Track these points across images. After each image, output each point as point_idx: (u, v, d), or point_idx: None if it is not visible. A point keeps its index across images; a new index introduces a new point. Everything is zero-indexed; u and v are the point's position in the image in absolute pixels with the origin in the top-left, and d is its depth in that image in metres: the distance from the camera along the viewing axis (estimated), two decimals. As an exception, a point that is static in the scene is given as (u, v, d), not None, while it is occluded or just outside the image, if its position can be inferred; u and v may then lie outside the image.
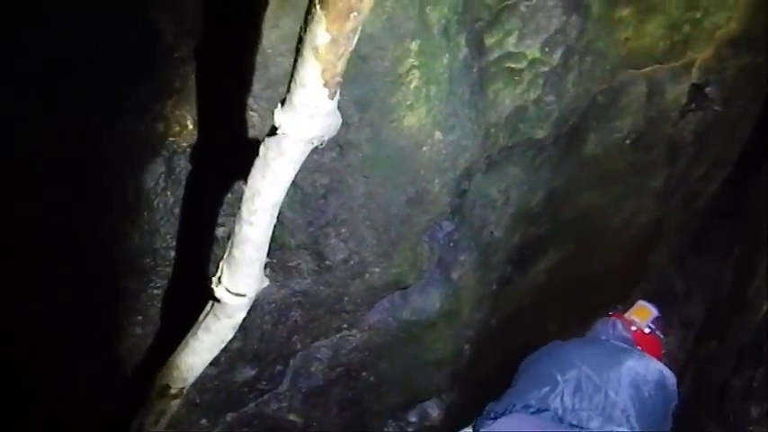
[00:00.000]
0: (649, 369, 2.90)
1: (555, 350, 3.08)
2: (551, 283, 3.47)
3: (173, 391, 1.88)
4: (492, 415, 2.84)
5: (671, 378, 2.93)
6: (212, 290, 1.61)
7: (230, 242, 1.54)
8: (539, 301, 3.55)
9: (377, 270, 2.56)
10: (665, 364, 3.03)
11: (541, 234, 3.19)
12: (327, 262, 2.44)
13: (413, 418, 3.41)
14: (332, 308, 2.62)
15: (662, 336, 3.41)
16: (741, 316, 3.52)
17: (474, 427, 2.91)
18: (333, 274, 2.49)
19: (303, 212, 2.29)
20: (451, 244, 2.78)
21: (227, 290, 1.58)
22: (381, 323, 2.82)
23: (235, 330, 1.71)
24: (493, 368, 3.71)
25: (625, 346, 3.13)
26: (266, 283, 1.63)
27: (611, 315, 3.47)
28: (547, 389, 2.81)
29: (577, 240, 3.44)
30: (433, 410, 3.43)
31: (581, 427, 2.66)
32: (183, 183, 2.15)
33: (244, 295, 1.59)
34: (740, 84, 3.41)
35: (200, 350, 1.75)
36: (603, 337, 3.24)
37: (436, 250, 2.73)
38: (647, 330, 3.34)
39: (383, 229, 2.45)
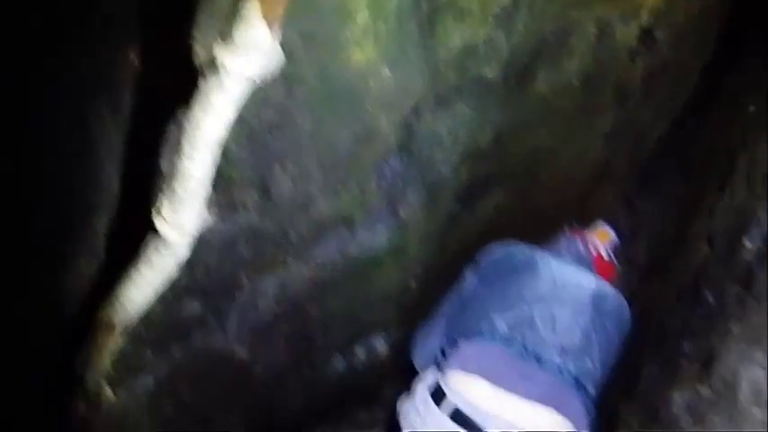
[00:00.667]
0: (613, 298, 2.95)
1: (524, 267, 2.99)
2: (498, 220, 3.51)
3: (116, 326, 1.89)
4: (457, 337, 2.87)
5: (627, 307, 2.99)
6: (155, 225, 1.61)
7: (172, 177, 1.53)
8: (485, 239, 3.59)
9: (323, 206, 2.56)
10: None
11: (489, 172, 3.21)
12: (273, 197, 2.43)
13: (360, 353, 3.47)
14: (278, 243, 2.63)
15: (617, 264, 3.46)
16: (682, 256, 3.60)
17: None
18: (279, 209, 2.49)
19: (249, 147, 2.27)
20: (399, 181, 2.79)
21: (169, 225, 1.58)
22: (328, 259, 2.83)
23: (178, 265, 1.71)
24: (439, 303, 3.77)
25: (589, 273, 3.09)
26: (208, 218, 1.63)
27: (572, 231, 3.48)
28: (515, 314, 2.79)
29: (525, 179, 3.47)
30: (380, 345, 3.49)
31: (545, 361, 2.67)
32: (128, 117, 2.13)
33: (185, 230, 1.59)
34: (689, 29, 3.44)
35: (143, 285, 1.75)
36: (564, 254, 3.23)
37: (383, 187, 2.74)
38: (604, 255, 3.37)
39: (330, 165, 2.45)
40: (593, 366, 2.73)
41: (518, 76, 2.80)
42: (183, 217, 1.56)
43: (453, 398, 2.64)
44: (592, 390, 2.71)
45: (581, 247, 3.30)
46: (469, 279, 3.15)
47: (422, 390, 2.81)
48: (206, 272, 2.53)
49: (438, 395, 2.69)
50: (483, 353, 2.72)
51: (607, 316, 2.88)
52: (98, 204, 2.23)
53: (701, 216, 3.46)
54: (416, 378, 3.06)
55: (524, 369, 2.64)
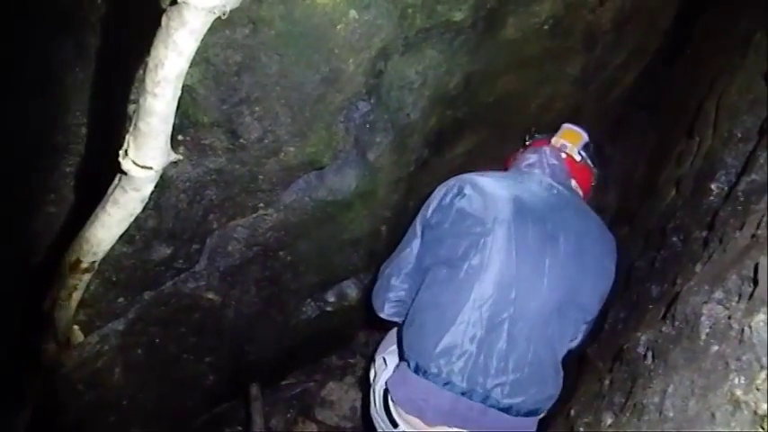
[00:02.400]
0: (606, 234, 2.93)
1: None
2: (468, 166, 3.53)
3: (84, 266, 1.88)
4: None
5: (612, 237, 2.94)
6: (120, 163, 1.60)
7: (136, 115, 1.53)
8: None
9: (292, 149, 2.57)
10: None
11: (459, 117, 3.22)
12: (242, 140, 2.44)
13: (331, 298, 3.51)
14: (247, 187, 2.63)
15: (592, 165, 3.24)
16: (650, 202, 3.65)
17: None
18: (247, 152, 2.49)
19: (216, 89, 2.27)
20: (367, 125, 2.80)
21: (134, 162, 1.58)
22: (297, 203, 2.85)
23: (143, 204, 1.71)
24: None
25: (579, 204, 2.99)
26: (174, 157, 1.63)
27: (537, 142, 3.25)
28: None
29: (494, 124, 3.48)
30: (351, 290, 3.53)
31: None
32: (93, 58, 2.11)
33: (150, 168, 1.59)
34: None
35: (110, 223, 1.75)
36: (537, 171, 2.98)
37: (352, 131, 2.75)
38: (577, 158, 3.17)
39: (298, 107, 2.44)
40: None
41: (487, 20, 2.80)
42: (147, 154, 1.56)
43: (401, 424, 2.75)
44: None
45: (552, 157, 3.07)
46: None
47: (379, 391, 2.90)
48: (176, 216, 2.54)
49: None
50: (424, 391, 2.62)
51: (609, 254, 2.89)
52: (64, 146, 2.22)
53: (669, 162, 3.50)
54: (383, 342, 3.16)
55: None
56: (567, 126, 3.28)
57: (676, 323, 2.15)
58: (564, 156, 3.13)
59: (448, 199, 2.81)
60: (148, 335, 2.87)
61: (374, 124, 2.81)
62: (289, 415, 4.00)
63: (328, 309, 3.52)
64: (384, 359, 2.95)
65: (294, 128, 2.49)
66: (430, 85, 2.86)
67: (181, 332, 2.98)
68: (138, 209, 1.72)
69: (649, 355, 2.25)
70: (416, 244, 2.91)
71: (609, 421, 2.33)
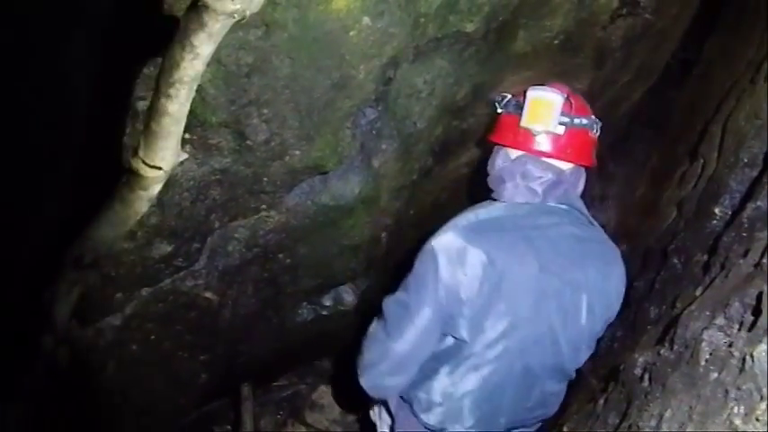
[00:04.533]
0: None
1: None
2: (469, 176, 3.52)
3: (86, 262, 1.88)
4: None
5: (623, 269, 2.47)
6: (129, 162, 1.60)
7: (148, 114, 1.52)
8: (456, 196, 3.61)
9: (297, 153, 2.56)
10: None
11: (464, 128, 3.22)
12: (248, 142, 2.43)
13: (327, 302, 3.50)
14: (251, 188, 2.63)
15: (584, 122, 2.41)
16: (650, 221, 3.65)
17: None
18: (253, 154, 2.48)
19: (226, 90, 2.26)
20: (374, 131, 2.79)
21: (144, 162, 1.58)
22: (300, 206, 2.84)
23: (150, 203, 1.71)
24: (407, 258, 3.79)
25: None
26: (183, 157, 1.63)
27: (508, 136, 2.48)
28: None
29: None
30: (348, 295, 3.52)
31: None
32: (105, 55, 2.11)
33: (159, 168, 1.59)
34: (672, -5, 3.45)
35: (115, 222, 1.75)
36: (538, 201, 2.34)
37: (358, 137, 2.74)
38: (560, 131, 2.38)
39: (306, 112, 2.44)
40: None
41: (498, 32, 2.79)
42: (157, 154, 1.56)
43: None
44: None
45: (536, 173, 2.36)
46: None
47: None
48: (178, 214, 2.53)
49: None
50: None
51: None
52: (71, 144, 2.22)
53: (671, 183, 3.50)
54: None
55: None
56: (532, 95, 2.42)
57: (675, 347, 2.15)
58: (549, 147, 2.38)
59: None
60: (144, 331, 2.86)
61: (380, 131, 2.81)
62: (279, 416, 4.00)
63: (324, 312, 3.51)
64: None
65: (301, 132, 2.49)
66: (438, 94, 2.86)
67: (177, 330, 2.97)
68: (145, 208, 1.72)
69: (646, 377, 2.24)
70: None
71: (602, 441, 2.33)
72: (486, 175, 2.54)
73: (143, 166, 1.58)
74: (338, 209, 2.93)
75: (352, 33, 2.32)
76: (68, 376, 2.69)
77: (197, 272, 2.84)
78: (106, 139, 2.21)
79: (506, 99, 2.52)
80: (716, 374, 1.79)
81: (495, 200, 2.46)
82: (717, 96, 3.41)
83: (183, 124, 1.53)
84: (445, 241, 2.28)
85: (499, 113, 2.55)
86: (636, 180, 4.49)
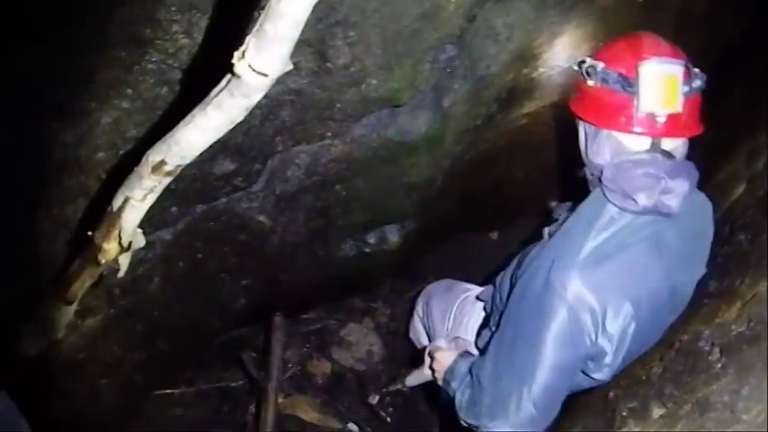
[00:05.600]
0: None
1: None
2: (529, 130, 3.44)
3: (167, 168, 1.79)
4: None
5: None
6: (233, 65, 1.51)
7: (263, 14, 1.42)
8: (512, 147, 3.54)
9: (374, 82, 2.48)
10: None
11: (533, 77, 3.13)
12: (329, 64, 2.35)
13: (371, 239, 3.44)
14: (322, 113, 2.56)
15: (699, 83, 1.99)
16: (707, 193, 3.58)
17: None
18: (331, 78, 2.41)
19: (315, 6, 2.17)
20: (448, 69, 2.72)
21: (250, 66, 1.48)
22: (365, 138, 2.78)
23: (247, 112, 1.62)
24: (454, 205, 3.73)
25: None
26: (290, 66, 1.53)
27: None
28: None
29: (565, 92, 3.38)
30: (393, 235, 3.46)
31: None
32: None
33: (266, 75, 1.49)
34: None
35: (207, 127, 1.66)
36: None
37: (435, 72, 2.66)
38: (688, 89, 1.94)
39: (391, 39, 2.36)
40: None
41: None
42: (267, 60, 1.46)
43: None
44: None
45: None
46: None
47: None
48: (246, 131, 2.47)
49: None
50: None
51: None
52: (152, 41, 2.13)
53: (735, 158, 3.42)
54: None
55: None
56: (655, 70, 1.91)
57: (751, 324, 2.09)
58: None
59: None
60: (193, 249, 2.81)
61: (455, 70, 2.73)
62: (305, 349, 3.97)
63: (366, 250, 3.45)
64: None
65: (383, 60, 2.41)
66: (515, 38, 2.78)
67: (224, 251, 2.93)
68: (241, 117, 1.63)
69: (715, 351, 2.18)
70: None
71: (659, 411, 2.27)
72: (573, 157, 2.18)
73: (249, 70, 1.48)
74: (402, 145, 2.85)
75: (448, -37, 2.23)
76: (110, 287, 2.63)
77: (253, 194, 2.78)
78: (208, 40, 2.12)
79: (599, 69, 1.99)
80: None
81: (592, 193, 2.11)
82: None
83: (299, 30, 1.43)
84: (574, 294, 1.93)
85: (590, 85, 2.02)
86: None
